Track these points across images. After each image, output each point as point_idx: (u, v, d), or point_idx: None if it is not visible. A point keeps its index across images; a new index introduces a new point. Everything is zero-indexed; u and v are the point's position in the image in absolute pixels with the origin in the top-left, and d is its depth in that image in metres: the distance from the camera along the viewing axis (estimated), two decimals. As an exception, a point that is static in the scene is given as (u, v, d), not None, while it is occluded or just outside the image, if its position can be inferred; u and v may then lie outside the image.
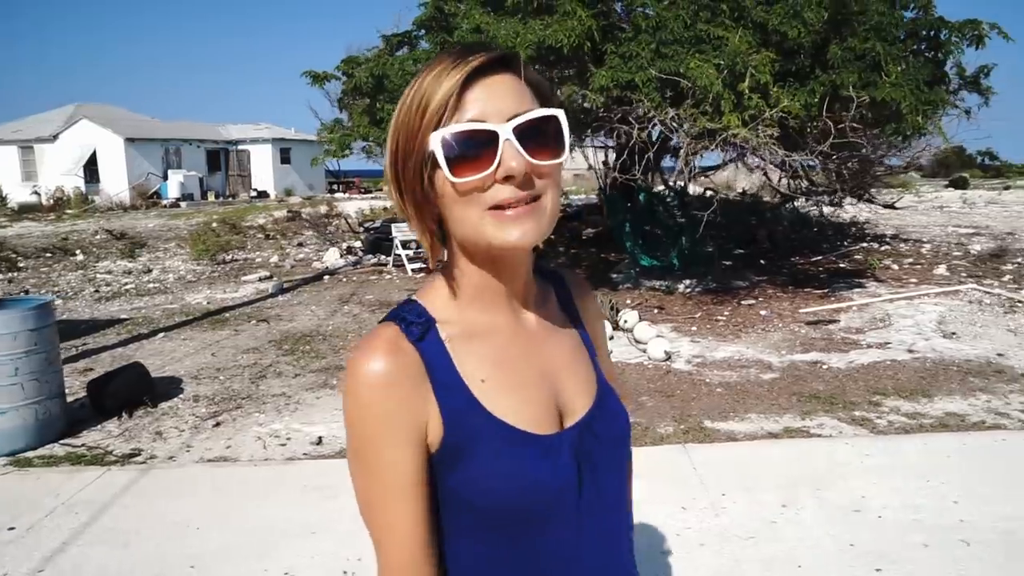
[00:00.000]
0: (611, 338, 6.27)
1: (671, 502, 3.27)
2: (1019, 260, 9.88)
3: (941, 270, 9.17)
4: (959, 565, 2.73)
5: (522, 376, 0.81)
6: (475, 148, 0.70)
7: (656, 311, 7.59)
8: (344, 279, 10.36)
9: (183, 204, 22.92)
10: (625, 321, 6.43)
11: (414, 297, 0.83)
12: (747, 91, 5.65)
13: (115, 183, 23.70)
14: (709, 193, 12.46)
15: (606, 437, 0.85)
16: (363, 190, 29.40)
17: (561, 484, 0.79)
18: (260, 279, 10.35)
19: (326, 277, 10.50)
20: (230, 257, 12.63)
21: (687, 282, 8.98)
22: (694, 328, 6.73)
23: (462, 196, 0.72)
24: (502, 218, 0.72)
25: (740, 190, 13.77)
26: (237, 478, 3.93)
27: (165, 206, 22.62)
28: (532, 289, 0.86)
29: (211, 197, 25.28)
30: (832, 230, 13.96)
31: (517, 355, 0.82)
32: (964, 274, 8.95)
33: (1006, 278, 8.63)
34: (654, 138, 7.89)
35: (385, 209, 17.87)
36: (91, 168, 24.20)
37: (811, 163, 9.56)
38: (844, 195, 9.74)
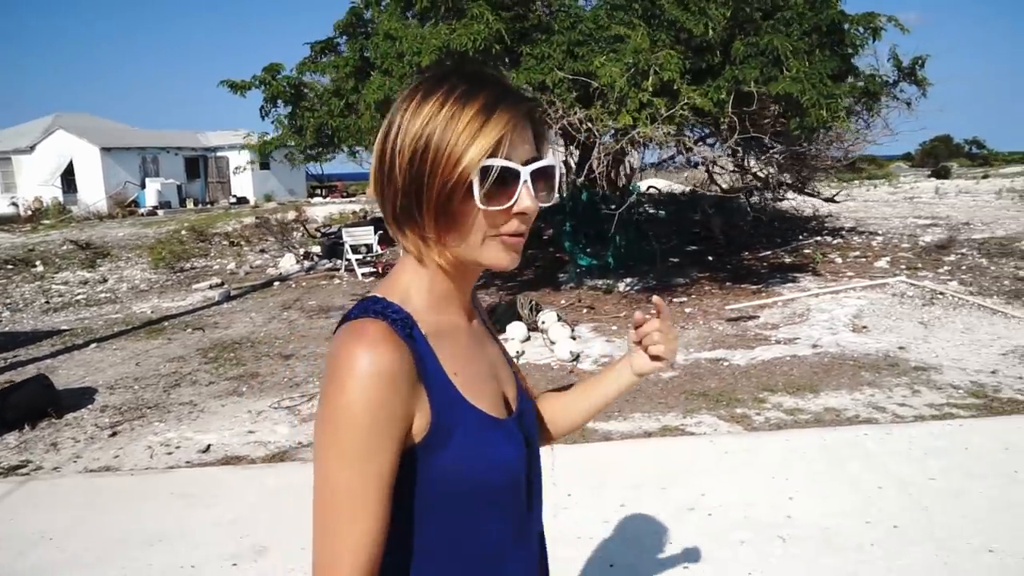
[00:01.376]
0: (527, 339, 6.32)
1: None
2: (963, 251, 9.92)
3: (882, 263, 9.20)
4: (766, 562, 2.78)
5: (480, 369, 0.90)
6: (502, 184, 0.79)
7: (586, 311, 7.63)
8: (294, 285, 10.41)
9: (161, 212, 22.97)
10: (543, 322, 6.48)
11: (380, 295, 0.86)
12: (650, 89, 5.69)
13: (92, 193, 23.77)
14: (652, 191, 12.52)
15: (532, 420, 0.97)
16: (345, 194, 29.43)
17: (522, 463, 0.90)
18: (210, 287, 10.39)
19: (276, 283, 10.55)
20: (188, 265, 12.69)
21: (628, 280, 9.02)
22: (614, 327, 6.77)
23: (480, 221, 0.81)
24: (503, 244, 0.83)
25: (690, 187, 13.75)
26: (112, 488, 3.98)
27: (142, 214, 22.68)
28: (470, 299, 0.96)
29: (190, 204, 25.33)
30: (792, 224, 14.01)
31: (474, 352, 0.91)
32: (904, 266, 8.99)
33: (943, 269, 8.67)
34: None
35: (354, 213, 17.92)
36: (68, 178, 24.25)
37: (734, 156, 9.60)
38: (784, 189, 9.77)
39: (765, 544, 2.90)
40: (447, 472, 0.82)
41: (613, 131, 5.92)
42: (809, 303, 7.18)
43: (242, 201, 26.84)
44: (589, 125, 5.81)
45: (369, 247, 10.98)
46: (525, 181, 0.80)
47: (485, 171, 0.78)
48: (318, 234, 13.34)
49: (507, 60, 6.64)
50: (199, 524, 3.42)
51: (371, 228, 11.10)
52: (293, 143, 7.28)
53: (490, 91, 0.81)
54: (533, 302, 6.73)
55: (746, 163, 10.13)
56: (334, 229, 12.38)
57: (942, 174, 31.57)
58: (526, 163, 0.81)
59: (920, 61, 9.48)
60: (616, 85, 5.62)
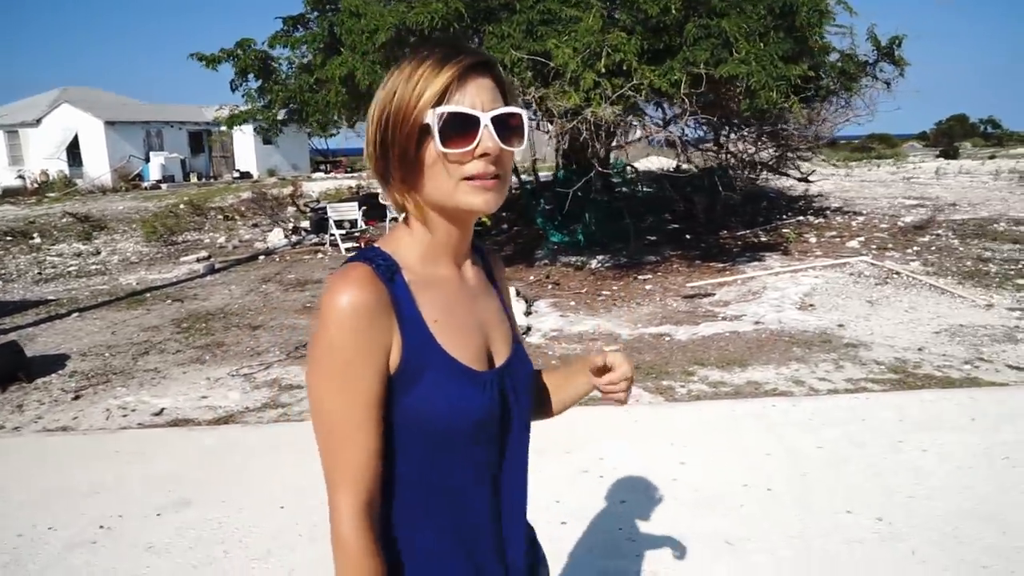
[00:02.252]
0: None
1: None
2: (939, 231, 9.96)
3: (854, 243, 9.28)
4: (641, 519, 2.99)
5: (464, 321, 0.97)
6: (461, 128, 0.88)
7: (551, 286, 7.81)
8: (278, 259, 10.66)
9: (164, 186, 23.26)
10: (502, 297, 6.66)
11: (377, 245, 0.96)
12: (602, 70, 5.80)
13: (97, 166, 24.10)
14: (643, 169, 12.59)
15: (520, 380, 1.03)
16: (348, 169, 29.58)
17: (491, 412, 0.96)
18: (197, 260, 10.66)
19: (262, 257, 10.80)
20: (180, 239, 12.96)
21: (600, 258, 9.18)
22: (572, 303, 6.96)
23: (445, 165, 0.89)
24: (474, 187, 0.90)
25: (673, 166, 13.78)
26: (64, 446, 4.25)
27: (145, 188, 22.98)
28: (469, 254, 1.04)
29: (193, 179, 25.60)
30: (779, 203, 14.05)
31: (460, 304, 0.98)
32: (875, 247, 9.07)
33: (911, 250, 8.74)
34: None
35: (349, 188, 18.11)
36: (74, 151, 24.58)
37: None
38: (760, 168, 9.83)
39: (644, 505, 3.11)
40: (413, 409, 0.90)
41: (565, 111, 6.04)
42: (767, 281, 7.32)
43: (245, 176, 27.09)
44: (547, 105, 5.94)
45: (353, 222, 11.18)
46: (486, 125, 0.88)
47: (440, 117, 0.87)
48: (307, 209, 13.54)
49: (475, 39, 6.74)
50: (135, 479, 3.67)
51: (355, 204, 11.30)
52: (261, 117, 7.47)
53: (443, 51, 0.90)
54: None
55: (721, 142, 10.19)
56: (322, 205, 12.57)
57: (950, 154, 31.25)
58: (488, 111, 0.89)
59: (897, 41, 9.49)
60: (568, 66, 5.74)
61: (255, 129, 8.35)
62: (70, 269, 10.59)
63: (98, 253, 11.85)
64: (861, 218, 11.70)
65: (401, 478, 0.94)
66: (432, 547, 0.96)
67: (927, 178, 19.42)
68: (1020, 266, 7.63)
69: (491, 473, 0.99)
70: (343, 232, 10.90)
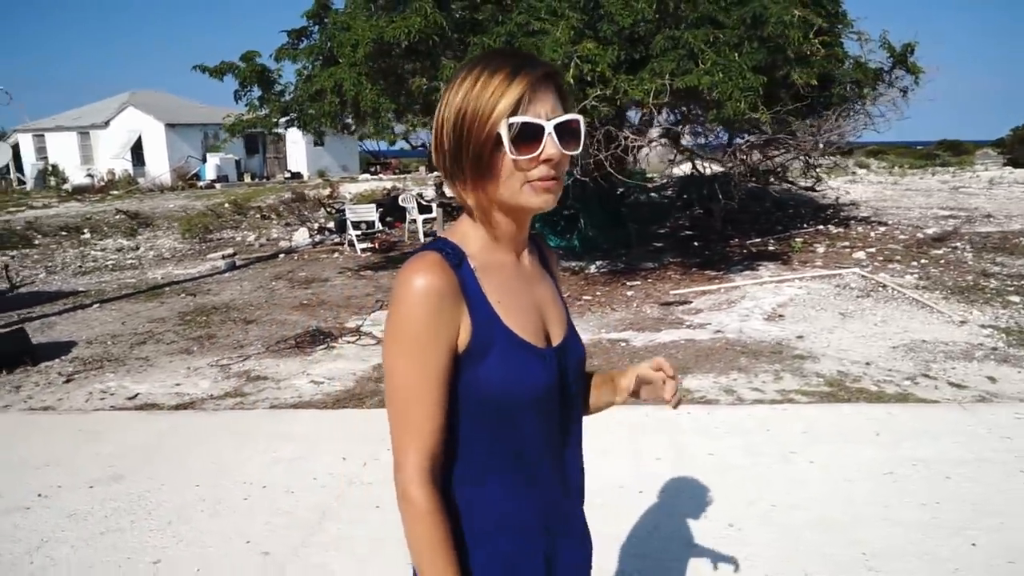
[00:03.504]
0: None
1: (331, 455, 3.81)
2: (957, 244, 9.64)
3: (860, 255, 9.09)
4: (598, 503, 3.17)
5: (524, 303, 1.07)
6: (529, 136, 0.97)
7: (538, 291, 7.97)
8: (297, 257, 11.16)
9: (218, 186, 24.40)
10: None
11: (444, 235, 1.08)
12: (572, 81, 5.94)
13: (158, 166, 25.50)
14: (645, 176, 12.57)
15: (575, 357, 1.13)
16: (398, 171, 30.31)
17: (551, 385, 1.04)
18: (223, 257, 11.25)
19: (282, 255, 11.33)
20: (216, 236, 13.67)
21: (600, 263, 9.28)
22: (549, 307, 7.10)
23: (514, 169, 0.98)
24: (535, 188, 1.00)
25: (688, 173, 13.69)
26: (36, 424, 4.69)
27: (201, 187, 24.16)
28: (526, 244, 1.14)
29: (247, 179, 26.75)
30: (806, 210, 13.79)
31: (520, 287, 1.08)
32: (881, 258, 8.86)
33: (917, 262, 8.51)
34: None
35: (384, 190, 18.63)
36: (138, 152, 26.06)
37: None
38: (765, 177, 9.74)
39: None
40: (482, 380, 0.99)
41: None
42: (749, 291, 7.29)
43: (296, 176, 28.12)
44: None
45: (370, 223, 11.59)
46: (549, 133, 0.97)
47: (511, 127, 0.95)
48: (332, 210, 14.06)
49: (460, 49, 6.98)
50: (86, 455, 4.07)
51: (372, 206, 11.70)
52: (261, 125, 7.93)
53: (512, 62, 0.99)
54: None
55: (729, 149, 10.13)
56: (345, 207, 13.05)
57: (1019, 163, 29.65)
58: (551, 119, 0.98)
59: (910, 48, 9.27)
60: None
61: (304, 132, 8.79)
62: (108, 263, 11.36)
63: (137, 248, 12.65)
64: (883, 229, 11.39)
65: (468, 449, 1.02)
66: (501, 503, 1.04)
67: (979, 187, 18.59)
68: (1022, 282, 7.36)
69: (553, 447, 1.08)
70: (359, 233, 11.31)
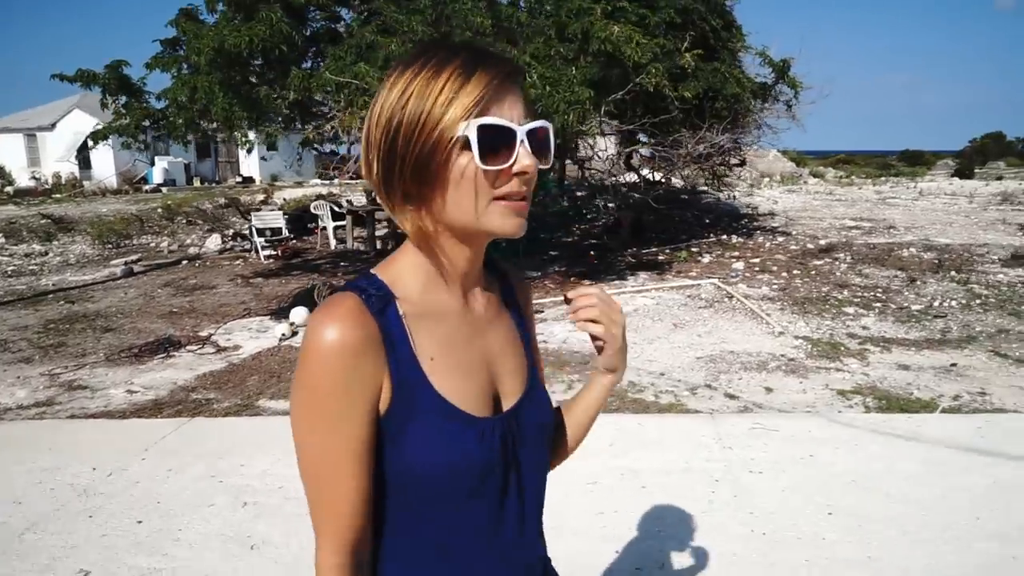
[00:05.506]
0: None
1: (84, 464, 3.87)
2: (839, 255, 9.87)
3: (739, 264, 9.29)
4: (249, 517, 3.25)
5: (466, 358, 0.87)
6: (499, 143, 0.78)
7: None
8: (199, 264, 11.17)
9: (164, 189, 24.30)
10: (332, 308, 6.97)
11: (374, 272, 0.87)
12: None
13: (104, 169, 25.33)
14: (553, 185, 12.73)
15: (532, 423, 0.92)
16: (355, 175, 30.30)
17: (489, 464, 0.85)
18: (125, 263, 11.25)
19: (184, 262, 11.33)
20: (133, 242, 13.64)
21: (485, 272, 9.40)
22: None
23: (480, 184, 0.79)
24: (508, 208, 0.81)
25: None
26: None
27: (147, 191, 24.05)
28: (481, 278, 0.93)
29: (197, 183, 26.65)
30: (726, 219, 14.02)
31: (463, 338, 0.88)
32: (757, 269, 9.07)
33: (788, 274, 8.71)
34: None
35: (320, 196, 18.66)
36: (84, 155, 25.87)
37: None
38: (662, 186, 9.92)
39: (264, 508, 3.36)
40: (400, 455, 0.82)
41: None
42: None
43: (248, 181, 28.08)
44: (347, 127, 6.26)
45: (276, 231, 11.64)
46: (522, 140, 0.79)
47: (482, 130, 0.77)
48: (247, 217, 14.07)
49: (317, 61, 7.07)
50: None
51: (279, 213, 11.75)
52: (124, 133, 7.99)
53: (467, 55, 0.80)
54: (327, 288, 7.21)
55: (629, 159, 10.32)
56: (262, 212, 13.08)
57: (965, 174, 30.28)
58: (522, 124, 0.80)
59: (786, 64, 9.51)
60: (372, 88, 6.02)
61: (121, 144, 8.86)
62: (9, 269, 11.30)
63: (46, 254, 12.58)
64: (782, 239, 11.63)
65: (391, 531, 0.86)
66: None
67: (906, 198, 18.98)
68: (873, 294, 7.57)
69: (491, 533, 0.88)
70: (263, 240, 11.35)
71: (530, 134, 0.81)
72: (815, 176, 29.56)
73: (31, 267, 11.46)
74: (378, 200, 0.86)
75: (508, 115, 0.80)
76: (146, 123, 7.83)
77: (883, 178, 29.90)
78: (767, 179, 24.64)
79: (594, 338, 1.00)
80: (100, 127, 8.60)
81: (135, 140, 8.05)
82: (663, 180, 10.59)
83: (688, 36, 8.19)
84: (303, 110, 6.74)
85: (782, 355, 5.52)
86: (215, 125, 7.62)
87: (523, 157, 0.79)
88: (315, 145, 9.83)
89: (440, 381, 0.83)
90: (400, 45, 6.01)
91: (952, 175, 31.34)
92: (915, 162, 43.72)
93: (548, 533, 1.01)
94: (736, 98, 9.05)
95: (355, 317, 0.79)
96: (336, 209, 12.77)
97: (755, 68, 10.38)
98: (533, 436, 0.92)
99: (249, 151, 10.11)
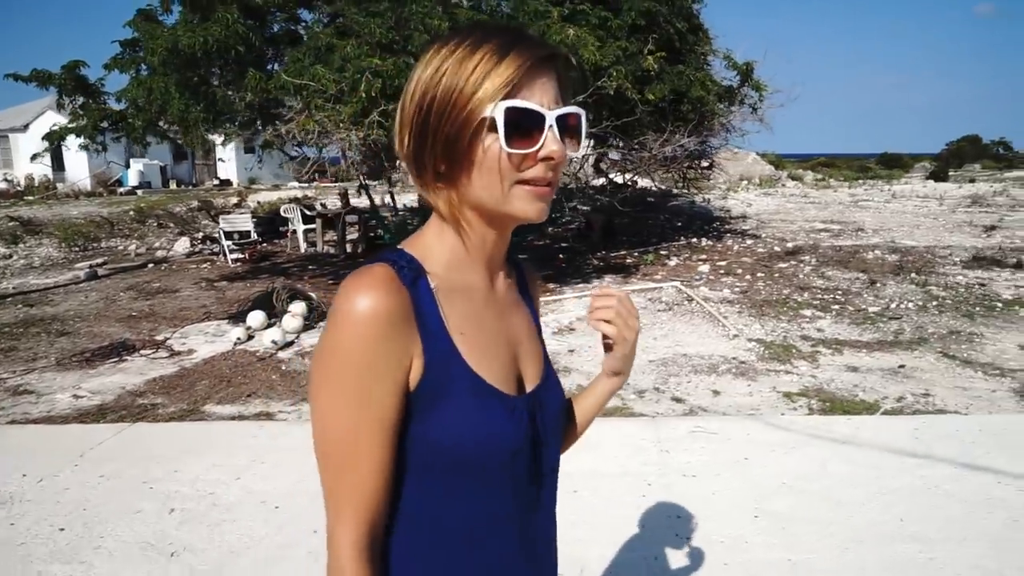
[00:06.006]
0: (270, 325, 6.76)
1: (13, 471, 3.81)
2: (804, 258, 9.94)
3: (705, 267, 9.33)
4: (174, 524, 3.20)
5: (494, 337, 0.87)
6: (527, 126, 0.78)
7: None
8: (165, 268, 11.06)
9: (139, 192, 24.05)
10: (291, 312, 6.90)
11: (401, 246, 0.86)
12: (364, 96, 6.04)
13: (78, 171, 25.03)
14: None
15: (552, 407, 0.92)
16: (336, 178, 30.13)
17: (519, 442, 0.84)
18: (90, 266, 11.11)
19: (151, 265, 11.21)
20: (100, 245, 13.48)
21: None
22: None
23: (504, 166, 0.79)
24: (530, 193, 0.80)
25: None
26: None
27: (121, 193, 23.79)
28: (503, 265, 0.93)
29: (173, 185, 26.40)
30: (698, 222, 14.10)
31: (490, 317, 0.88)
32: (722, 272, 9.11)
33: (752, 276, 8.76)
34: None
35: (294, 199, 18.55)
36: (58, 157, 25.53)
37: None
38: (629, 188, 9.95)
39: (242, 510, 3.32)
40: (432, 432, 0.79)
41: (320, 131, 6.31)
42: (565, 305, 7.44)
43: (225, 183, 27.86)
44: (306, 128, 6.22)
45: (244, 234, 11.55)
46: (551, 126, 0.79)
47: (509, 112, 0.77)
48: (217, 220, 13.95)
49: (275, 63, 7.03)
50: None
51: (248, 216, 11.66)
52: (77, 134, 7.91)
53: (504, 36, 0.80)
54: (287, 291, 7.16)
55: (599, 163, 10.34)
56: (231, 216, 12.96)
57: (940, 177, 30.68)
58: (552, 109, 0.79)
59: (750, 67, 9.58)
60: (329, 90, 5.99)
61: (80, 146, 8.77)
62: (-29, 272, 11.12)
63: (10, 257, 12.40)
64: (751, 242, 11.70)
65: (409, 515, 0.83)
66: None
67: (878, 201, 19.17)
68: (833, 296, 7.63)
69: (514, 517, 0.87)
70: (231, 244, 11.26)
71: (561, 120, 0.80)
72: (794, 179, 29.80)
73: (-7, 270, 11.29)
74: (410, 179, 0.90)
75: (538, 99, 0.79)
76: (104, 124, 7.73)
77: (859, 181, 30.21)
78: (745, 182, 24.81)
79: (605, 338, 1.01)
80: (56, 128, 8.48)
81: (92, 141, 7.95)
82: (631, 183, 10.60)
83: (652, 39, 8.24)
84: (262, 112, 6.70)
85: (734, 358, 5.54)
86: (175, 127, 7.55)
87: (550, 142, 0.79)
88: (280, 147, 9.77)
89: (471, 356, 0.82)
90: (357, 47, 5.98)
91: (927, 178, 31.76)
92: (892, 165, 44.27)
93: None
94: (701, 101, 9.09)
95: (388, 285, 0.78)
96: (307, 212, 12.70)
97: (723, 72, 10.45)
98: (553, 420, 0.92)
99: (207, 152, 10.03)
